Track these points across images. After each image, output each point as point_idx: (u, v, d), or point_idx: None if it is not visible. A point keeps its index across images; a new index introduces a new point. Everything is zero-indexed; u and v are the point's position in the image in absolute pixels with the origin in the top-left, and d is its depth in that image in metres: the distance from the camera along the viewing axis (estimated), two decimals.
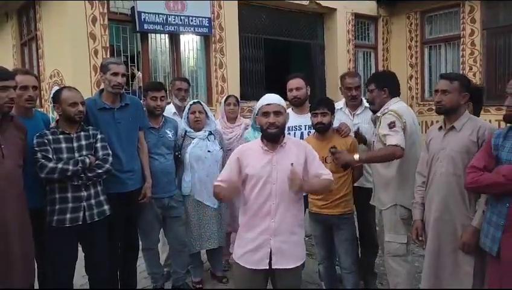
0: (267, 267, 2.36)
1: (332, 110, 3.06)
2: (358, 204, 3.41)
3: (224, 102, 4.06)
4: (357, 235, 3.30)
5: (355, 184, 3.26)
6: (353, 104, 3.60)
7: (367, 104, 3.50)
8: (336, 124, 3.19)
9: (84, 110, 2.86)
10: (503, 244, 2.13)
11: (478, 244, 2.38)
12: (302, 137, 3.43)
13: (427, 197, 2.63)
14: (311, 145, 2.94)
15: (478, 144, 2.41)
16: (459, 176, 2.44)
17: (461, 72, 8.29)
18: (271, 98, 2.46)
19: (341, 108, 3.61)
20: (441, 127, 2.61)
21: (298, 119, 3.51)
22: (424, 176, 2.68)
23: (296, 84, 3.50)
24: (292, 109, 3.59)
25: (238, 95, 6.94)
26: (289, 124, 3.38)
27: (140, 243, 3.49)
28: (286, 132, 2.59)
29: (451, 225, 2.47)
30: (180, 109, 4.01)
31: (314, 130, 3.16)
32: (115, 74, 3.05)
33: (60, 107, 2.80)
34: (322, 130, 3.07)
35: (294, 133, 3.50)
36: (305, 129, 3.48)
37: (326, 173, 2.43)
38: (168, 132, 3.50)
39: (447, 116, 2.55)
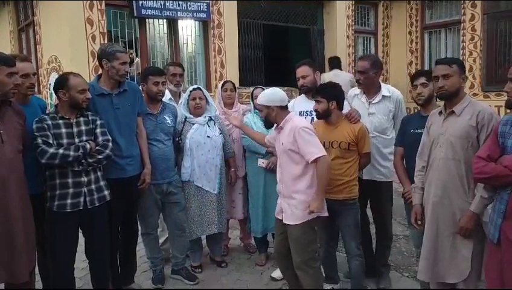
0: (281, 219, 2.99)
1: (330, 96, 3.03)
2: (372, 198, 3.39)
3: (221, 87, 4.03)
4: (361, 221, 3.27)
5: (368, 177, 3.25)
6: (361, 89, 3.39)
7: (386, 93, 3.30)
8: (345, 110, 3.17)
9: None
10: (503, 231, 2.13)
11: (476, 229, 2.39)
12: (312, 122, 3.41)
13: (426, 181, 2.64)
14: (319, 129, 3.03)
15: (477, 129, 2.40)
16: (458, 161, 2.44)
17: (461, 57, 8.28)
18: (259, 97, 3.02)
19: (357, 94, 3.44)
20: (441, 112, 2.60)
21: (308, 105, 3.48)
22: (424, 160, 2.68)
23: (302, 72, 3.47)
24: (304, 94, 3.57)
25: (237, 81, 6.94)
26: (300, 109, 3.42)
27: (139, 228, 3.51)
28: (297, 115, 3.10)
29: (449, 209, 2.47)
30: (175, 95, 3.99)
31: None
32: (124, 63, 3.05)
33: (67, 93, 2.76)
34: (318, 117, 3.12)
35: (305, 118, 3.47)
36: (315, 115, 3.47)
37: (309, 153, 2.77)
38: (167, 117, 3.49)
39: (450, 101, 2.53)
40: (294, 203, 2.86)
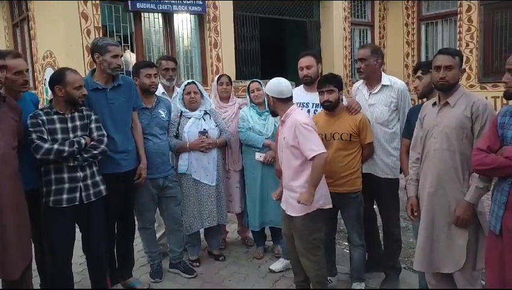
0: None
1: (339, 86, 3.04)
2: (374, 194, 3.32)
3: (217, 82, 4.01)
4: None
5: (367, 171, 3.20)
6: (361, 78, 3.32)
7: (386, 82, 3.20)
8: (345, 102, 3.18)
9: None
10: (504, 223, 2.13)
11: (471, 219, 2.40)
12: (309, 114, 3.38)
13: (421, 173, 2.64)
14: (321, 122, 3.05)
15: (472, 120, 2.40)
16: (453, 152, 2.44)
17: (458, 48, 8.26)
18: (267, 86, 3.00)
19: (358, 87, 3.38)
20: (435, 103, 2.59)
21: (306, 97, 3.47)
22: (418, 152, 2.68)
23: (306, 62, 3.43)
24: (303, 86, 3.55)
25: (233, 74, 6.92)
26: (298, 100, 3.35)
27: (136, 222, 3.51)
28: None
29: (445, 199, 2.48)
30: (168, 89, 3.98)
31: (321, 108, 3.17)
32: (115, 56, 3.02)
33: (63, 89, 2.75)
34: (330, 108, 3.09)
35: (301, 109, 3.43)
36: (312, 107, 3.43)
37: (308, 149, 2.74)
38: (162, 112, 3.49)
39: (445, 92, 2.52)
40: (294, 196, 2.86)
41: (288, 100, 2.94)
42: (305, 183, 2.82)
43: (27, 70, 2.82)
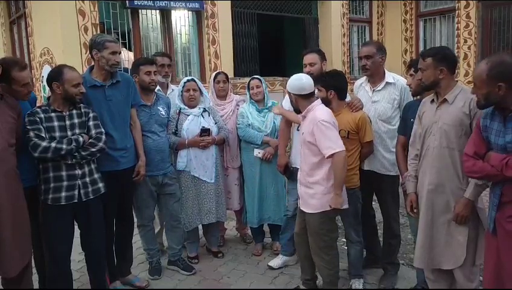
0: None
1: (328, 86, 3.03)
2: (375, 191, 3.33)
3: (214, 80, 3.96)
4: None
5: (368, 168, 3.21)
6: (366, 75, 3.31)
7: (390, 80, 3.21)
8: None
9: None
10: (498, 221, 2.17)
11: (471, 215, 2.41)
12: None
13: (420, 170, 2.64)
14: None
15: (470, 116, 2.41)
16: (452, 149, 2.45)
17: (456, 45, 8.28)
18: (288, 83, 2.98)
19: (361, 84, 3.38)
20: (433, 100, 2.59)
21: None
22: (417, 149, 2.68)
23: (310, 59, 3.46)
24: None
25: (231, 71, 6.90)
26: None
27: (135, 219, 3.51)
28: None
29: (444, 196, 2.48)
30: (164, 86, 3.95)
31: None
32: (114, 53, 3.01)
33: (61, 86, 2.73)
34: None
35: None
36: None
37: (326, 147, 2.74)
38: (161, 108, 3.48)
39: (435, 91, 2.54)
40: (311, 192, 2.87)
41: (310, 96, 2.93)
42: (322, 181, 2.83)
43: (32, 79, 2.80)
